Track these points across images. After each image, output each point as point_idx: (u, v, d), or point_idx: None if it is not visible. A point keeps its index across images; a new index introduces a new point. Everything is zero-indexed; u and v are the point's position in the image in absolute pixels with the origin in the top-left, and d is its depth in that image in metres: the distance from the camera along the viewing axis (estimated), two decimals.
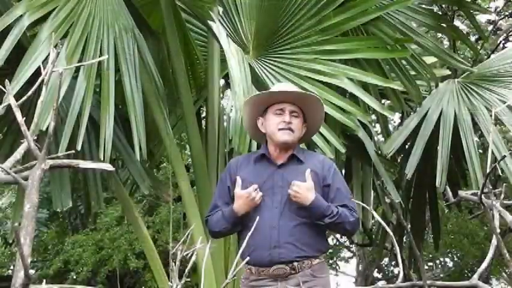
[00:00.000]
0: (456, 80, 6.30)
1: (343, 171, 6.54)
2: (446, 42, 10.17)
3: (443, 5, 8.12)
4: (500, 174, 5.66)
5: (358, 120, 5.36)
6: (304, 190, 3.36)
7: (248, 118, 3.69)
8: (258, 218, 3.19)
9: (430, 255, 14.11)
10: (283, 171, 3.49)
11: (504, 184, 5.00)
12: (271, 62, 5.33)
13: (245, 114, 3.70)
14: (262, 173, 3.50)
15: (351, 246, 15.57)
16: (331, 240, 15.09)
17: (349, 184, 6.34)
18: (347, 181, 6.35)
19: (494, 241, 4.65)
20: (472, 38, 9.66)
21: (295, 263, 3.36)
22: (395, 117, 11.19)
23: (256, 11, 5.52)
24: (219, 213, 3.51)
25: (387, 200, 6.58)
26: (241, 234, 3.53)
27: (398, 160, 6.89)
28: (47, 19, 4.60)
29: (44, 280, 3.10)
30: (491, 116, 5.62)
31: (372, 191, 6.30)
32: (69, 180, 5.34)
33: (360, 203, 5.51)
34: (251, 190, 3.39)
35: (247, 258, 2.80)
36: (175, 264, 2.41)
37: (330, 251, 15.42)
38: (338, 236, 14.53)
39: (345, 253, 16.43)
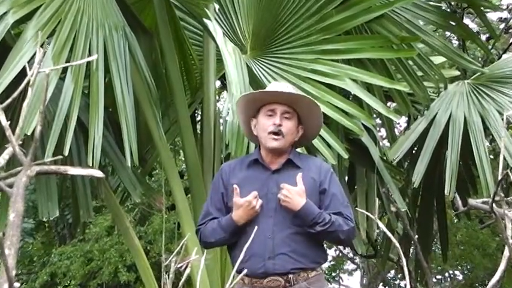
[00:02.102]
0: (466, 81, 6.32)
1: (346, 178, 6.54)
2: (455, 42, 10.20)
3: (452, 2, 8.13)
4: None
5: (362, 124, 5.37)
6: (295, 194, 3.34)
7: (242, 118, 3.69)
8: (250, 227, 3.20)
9: (439, 268, 14.11)
10: (278, 177, 3.46)
11: None
12: (270, 63, 5.33)
13: (239, 114, 3.70)
14: (256, 179, 3.48)
15: (354, 257, 15.57)
16: (333, 252, 15.09)
17: (352, 192, 6.35)
18: (350, 188, 6.42)
19: (506, 252, 4.63)
20: (483, 37, 9.66)
21: (290, 275, 3.34)
22: (402, 121, 11.18)
23: (254, 8, 5.53)
24: (214, 222, 3.48)
25: (393, 209, 6.59)
26: (232, 244, 3.51)
27: (405, 166, 6.89)
28: (33, 16, 4.59)
29: None
30: (503, 119, 5.63)
31: (377, 199, 6.30)
32: (57, 187, 5.33)
33: (364, 211, 5.52)
34: (251, 198, 3.36)
35: (245, 270, 2.79)
36: (168, 277, 2.40)
37: (332, 263, 15.42)
38: (341, 247, 14.52)
39: (348, 265, 16.43)
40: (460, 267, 14.37)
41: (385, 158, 6.10)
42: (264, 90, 3.70)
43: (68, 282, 10.04)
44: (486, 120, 5.85)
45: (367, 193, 6.21)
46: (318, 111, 3.63)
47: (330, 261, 15.42)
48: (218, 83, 7.06)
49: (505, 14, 10.19)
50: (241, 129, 3.92)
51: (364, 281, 14.93)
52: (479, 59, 9.44)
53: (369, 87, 5.49)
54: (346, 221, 3.41)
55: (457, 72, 6.85)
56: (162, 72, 5.55)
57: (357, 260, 15.51)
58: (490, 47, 9.04)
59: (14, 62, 4.39)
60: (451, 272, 14.91)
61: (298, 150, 3.76)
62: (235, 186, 3.43)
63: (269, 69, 5.29)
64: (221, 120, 5.78)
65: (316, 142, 4.91)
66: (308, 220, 3.34)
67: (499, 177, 3.56)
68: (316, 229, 3.34)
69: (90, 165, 4.42)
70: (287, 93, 3.56)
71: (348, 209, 3.47)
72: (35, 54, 4.29)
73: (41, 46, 4.09)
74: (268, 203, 3.41)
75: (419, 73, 5.81)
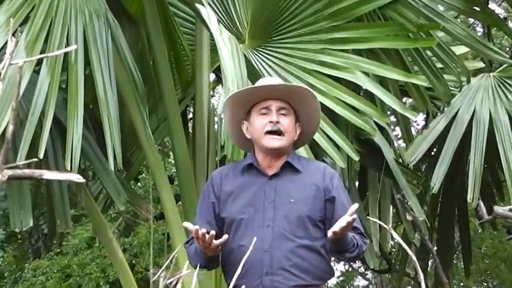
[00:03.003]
0: (492, 74, 6.32)
1: (357, 183, 6.55)
2: (479, 29, 10.21)
3: None
4: None
5: (375, 123, 5.37)
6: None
7: (230, 123, 3.66)
8: (245, 239, 3.22)
9: (461, 284, 14.12)
10: (276, 182, 3.46)
11: None
12: (271, 53, 5.34)
13: (226, 119, 3.70)
14: (251, 186, 3.47)
15: (365, 272, 15.58)
16: (342, 266, 15.10)
17: (363, 198, 6.36)
18: (361, 195, 6.42)
19: None
20: (511, 24, 9.68)
21: None
22: (419, 119, 11.21)
23: None
24: (194, 247, 3.45)
25: (409, 218, 6.58)
26: (225, 259, 3.49)
27: (423, 170, 6.90)
28: (3, 2, 4.60)
29: None
30: None
31: (391, 207, 6.30)
32: (31, 194, 5.31)
33: (377, 221, 5.52)
34: (195, 228, 3.25)
35: (242, 287, 2.79)
36: None
37: (341, 278, 15.43)
38: None
39: (359, 281, 16.44)
40: (484, 283, 14.39)
41: (400, 160, 6.10)
42: (254, 85, 3.67)
43: None
44: None
45: (380, 200, 6.21)
46: (316, 103, 3.62)
47: (339, 277, 15.43)
48: (212, 77, 7.06)
49: None
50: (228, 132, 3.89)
51: None
52: (507, 48, 9.44)
53: (382, 81, 5.49)
54: (362, 239, 3.43)
55: (482, 64, 6.85)
56: (150, 64, 5.55)
57: (369, 275, 15.51)
58: None
59: None
60: None
61: (303, 153, 3.76)
62: (187, 224, 3.35)
63: (270, 60, 5.29)
64: (216, 119, 5.78)
65: (323, 143, 4.91)
66: (342, 249, 3.33)
67: None
68: (346, 256, 3.37)
69: (69, 168, 4.41)
70: (283, 85, 3.57)
71: (358, 221, 3.44)
72: (6, 44, 4.30)
73: (13, 35, 4.09)
74: (266, 212, 3.40)
75: (439, 65, 5.80)
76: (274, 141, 3.45)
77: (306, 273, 3.36)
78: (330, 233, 3.21)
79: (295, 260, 3.34)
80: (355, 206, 3.23)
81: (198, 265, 3.38)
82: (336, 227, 3.18)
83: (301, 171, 3.50)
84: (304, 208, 3.40)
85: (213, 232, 3.23)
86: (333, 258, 3.59)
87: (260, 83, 3.66)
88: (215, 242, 3.25)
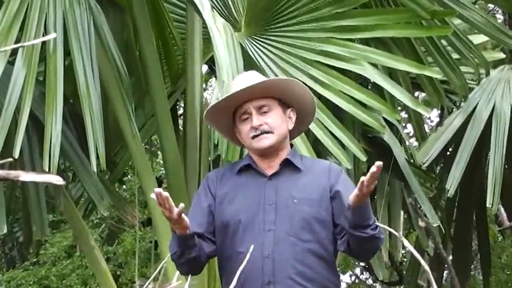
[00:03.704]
0: None
1: None
2: (499, 16, 10.21)
3: None
4: None
5: (384, 119, 5.38)
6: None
7: (222, 133, 3.76)
8: (243, 244, 3.23)
9: None
10: (276, 182, 3.48)
11: None
12: (270, 42, 5.34)
13: (217, 131, 3.76)
14: (250, 187, 3.50)
15: (374, 284, 15.58)
16: (347, 277, 15.11)
17: (371, 202, 6.36)
18: (369, 199, 6.43)
19: None
20: None
21: None
22: (433, 115, 11.20)
23: None
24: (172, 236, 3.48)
25: (422, 224, 6.59)
26: (222, 267, 3.52)
27: (437, 171, 6.91)
28: None
29: None
30: None
31: (402, 212, 6.31)
32: (4, 198, 5.33)
33: (386, 227, 5.50)
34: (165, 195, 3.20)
35: None
36: None
37: None
38: (357, 270, 14.55)
39: None
40: None
41: (412, 160, 6.12)
42: (223, 97, 3.66)
43: None
44: None
45: (390, 205, 6.23)
46: (295, 84, 3.63)
47: None
48: (205, 68, 7.06)
49: None
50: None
51: None
52: None
53: (392, 73, 5.50)
54: (378, 229, 3.40)
55: (502, 55, 6.86)
56: (136, 55, 5.56)
57: (378, 287, 15.52)
58: None
59: None
60: None
61: (305, 152, 3.76)
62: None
63: (268, 50, 5.29)
64: None
65: (326, 142, 4.92)
66: (363, 219, 3.29)
67: None
68: (368, 232, 3.30)
69: (47, 169, 4.42)
70: (252, 86, 3.50)
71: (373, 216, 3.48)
72: None
73: None
74: (266, 215, 3.41)
75: (455, 56, 5.82)
76: (263, 141, 3.47)
77: (311, 282, 3.37)
78: (352, 195, 3.20)
79: (300, 268, 3.35)
80: (379, 163, 3.17)
81: (173, 256, 3.44)
82: (359, 186, 3.17)
83: (303, 169, 3.51)
84: (310, 209, 3.40)
85: (182, 205, 3.21)
86: (338, 268, 3.60)
87: (235, 82, 3.66)
88: (176, 210, 3.21)
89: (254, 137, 3.46)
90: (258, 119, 3.47)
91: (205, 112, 3.69)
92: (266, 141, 3.46)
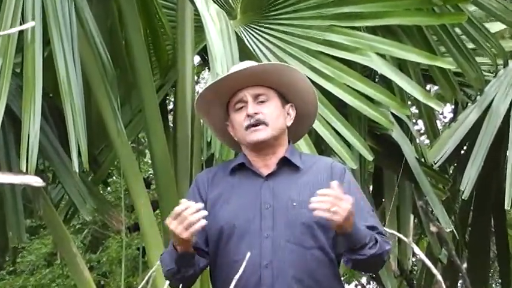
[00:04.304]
0: None
1: (371, 187, 6.57)
2: None
3: None
4: None
5: (393, 115, 5.39)
6: (342, 201, 3.18)
7: (213, 129, 3.72)
8: (239, 252, 3.22)
9: None
10: (273, 183, 3.45)
11: None
12: (267, 31, 5.34)
13: (207, 124, 3.73)
14: (244, 189, 3.48)
15: None
16: (353, 287, 15.13)
17: (379, 206, 6.39)
18: (376, 201, 6.45)
19: None
20: None
21: None
22: (446, 110, 11.22)
23: None
24: (167, 249, 3.46)
25: (434, 229, 6.60)
26: (215, 277, 3.50)
27: (450, 171, 6.92)
28: None
29: None
30: None
31: (412, 217, 6.32)
32: None
33: (395, 233, 5.51)
34: (170, 220, 3.21)
35: None
36: None
37: None
38: (364, 280, 14.55)
39: None
40: None
41: (423, 160, 6.13)
42: (216, 79, 3.66)
43: None
44: None
45: (399, 208, 6.24)
46: (299, 75, 3.61)
47: None
48: (197, 59, 7.06)
49: None
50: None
51: None
52: None
53: (401, 65, 5.51)
54: (383, 238, 3.39)
55: None
56: (122, 44, 5.56)
57: None
58: None
59: None
60: None
61: (306, 150, 3.76)
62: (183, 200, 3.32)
63: (266, 39, 5.30)
64: None
65: (330, 139, 4.93)
66: (357, 242, 3.27)
67: None
68: (366, 253, 3.28)
69: (24, 170, 4.43)
70: (250, 69, 3.51)
71: (377, 220, 3.48)
72: None
73: None
74: (263, 220, 3.39)
75: (470, 45, 5.83)
76: (257, 134, 3.43)
77: None
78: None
79: (301, 276, 3.33)
80: (335, 182, 3.20)
81: (167, 274, 3.42)
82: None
83: (302, 168, 3.49)
84: (310, 213, 3.31)
85: (198, 205, 3.20)
86: (343, 277, 3.60)
87: (230, 71, 3.64)
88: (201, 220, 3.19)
89: (248, 127, 3.43)
90: (254, 107, 3.45)
91: (196, 99, 3.66)
92: (261, 133, 3.42)
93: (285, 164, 3.49)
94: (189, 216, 3.17)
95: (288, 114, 3.55)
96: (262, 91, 3.49)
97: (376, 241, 3.31)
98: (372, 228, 3.37)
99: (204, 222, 3.19)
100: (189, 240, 3.25)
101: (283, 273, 3.32)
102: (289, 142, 3.59)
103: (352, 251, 3.29)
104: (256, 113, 3.43)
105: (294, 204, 3.39)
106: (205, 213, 3.19)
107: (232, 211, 3.43)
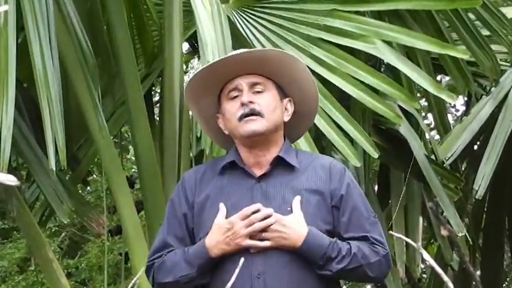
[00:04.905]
0: None
1: (376, 187, 6.57)
2: None
3: None
4: None
5: (400, 108, 5.39)
6: (291, 226, 3.31)
7: (201, 121, 3.72)
8: (230, 261, 3.23)
9: None
10: (266, 186, 3.44)
11: None
12: (263, 16, 5.34)
13: (195, 116, 3.73)
14: (234, 191, 3.46)
15: None
16: None
17: (385, 207, 6.39)
18: (382, 203, 6.45)
19: None
20: None
21: None
22: (458, 103, 11.23)
23: None
24: (176, 254, 3.44)
25: (444, 233, 6.61)
26: (203, 286, 3.48)
27: (463, 170, 6.92)
28: None
29: None
30: None
31: (421, 219, 6.32)
32: None
33: (403, 237, 5.53)
34: (236, 220, 3.31)
35: None
36: None
37: None
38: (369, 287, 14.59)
39: None
40: None
41: (433, 157, 6.13)
42: (209, 63, 3.67)
43: None
44: None
45: (406, 209, 6.24)
46: (301, 66, 3.61)
47: None
48: (186, 46, 7.06)
49: None
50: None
51: None
52: None
53: (409, 53, 5.51)
54: (374, 249, 3.39)
55: None
56: (103, 30, 5.55)
57: None
58: None
59: None
60: None
61: (306, 147, 3.74)
62: (221, 205, 3.38)
63: (261, 25, 5.29)
64: None
65: (331, 135, 4.93)
66: (317, 257, 3.32)
67: None
68: (332, 268, 3.32)
69: None
70: (247, 53, 3.53)
71: (376, 228, 3.47)
72: None
73: None
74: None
75: (485, 32, 5.83)
76: (251, 124, 3.41)
77: None
78: None
79: (295, 287, 3.34)
80: (255, 206, 3.32)
81: (180, 279, 3.39)
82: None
83: (298, 168, 3.47)
84: (306, 218, 3.37)
85: (253, 207, 3.32)
86: (345, 286, 3.60)
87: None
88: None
89: (242, 117, 3.41)
90: (250, 96, 3.44)
91: (186, 86, 3.66)
92: (255, 124, 3.40)
93: (280, 163, 3.48)
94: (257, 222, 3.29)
95: (285, 109, 3.54)
96: (260, 80, 3.49)
97: (350, 254, 3.33)
98: (362, 238, 3.39)
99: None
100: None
101: (276, 283, 3.32)
102: (284, 139, 3.57)
103: (318, 266, 3.33)
104: (251, 102, 3.42)
105: (289, 209, 3.38)
106: (272, 221, 3.29)
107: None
